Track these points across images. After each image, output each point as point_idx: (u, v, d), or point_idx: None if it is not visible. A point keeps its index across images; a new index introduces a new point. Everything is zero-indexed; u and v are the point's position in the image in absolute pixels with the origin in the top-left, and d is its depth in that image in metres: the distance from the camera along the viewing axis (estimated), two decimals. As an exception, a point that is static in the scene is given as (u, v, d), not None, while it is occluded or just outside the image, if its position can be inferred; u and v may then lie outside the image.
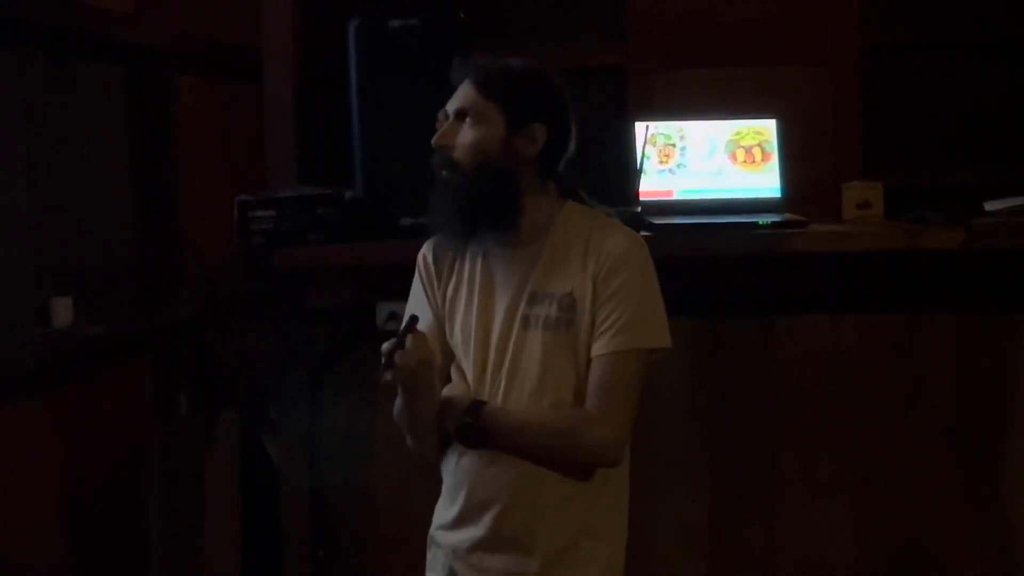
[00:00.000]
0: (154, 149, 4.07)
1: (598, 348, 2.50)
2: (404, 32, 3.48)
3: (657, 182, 3.69)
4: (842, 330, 3.71)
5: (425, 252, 2.69)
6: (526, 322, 2.55)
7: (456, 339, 2.62)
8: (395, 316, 3.37)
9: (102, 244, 3.88)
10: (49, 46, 3.60)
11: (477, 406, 2.54)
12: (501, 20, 4.12)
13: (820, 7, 4.42)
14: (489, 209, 2.54)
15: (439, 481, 2.69)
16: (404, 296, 2.71)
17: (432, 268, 2.67)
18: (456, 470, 2.61)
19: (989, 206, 3.55)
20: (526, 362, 2.54)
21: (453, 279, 2.65)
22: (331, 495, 3.75)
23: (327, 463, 3.73)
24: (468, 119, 2.53)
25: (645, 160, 3.61)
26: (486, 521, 2.56)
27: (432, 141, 2.56)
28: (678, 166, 3.72)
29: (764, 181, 3.72)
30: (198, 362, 4.17)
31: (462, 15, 3.48)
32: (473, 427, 2.52)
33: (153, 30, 4.04)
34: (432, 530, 2.70)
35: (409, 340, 2.43)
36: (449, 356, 2.64)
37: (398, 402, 2.59)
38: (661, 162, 3.71)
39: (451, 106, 2.57)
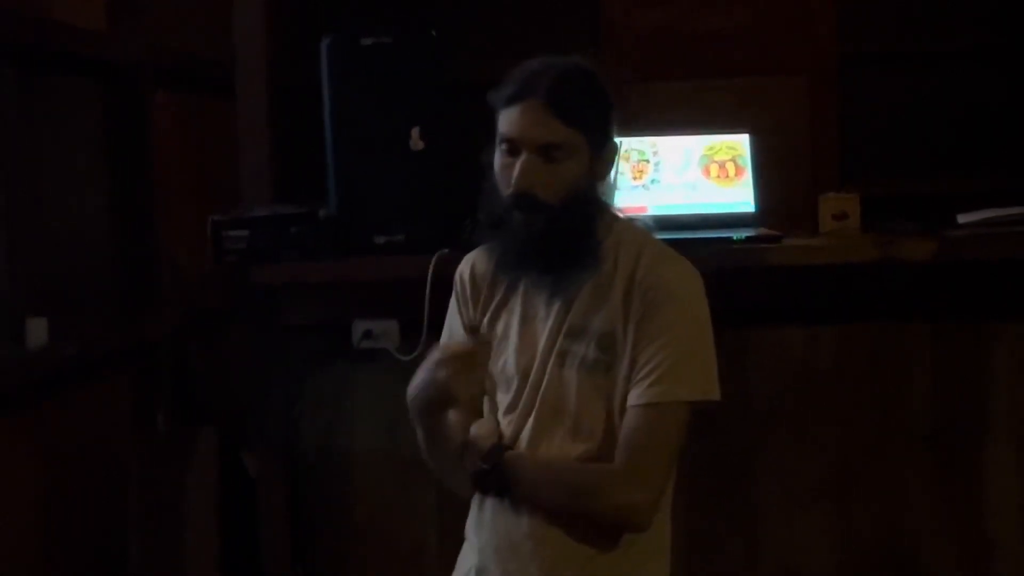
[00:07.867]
0: (129, 165, 4.04)
1: (634, 397, 2.26)
2: (376, 50, 3.47)
3: (631, 198, 3.69)
4: (819, 342, 3.72)
5: (463, 270, 2.48)
6: (562, 359, 2.31)
7: (496, 369, 2.39)
8: (370, 335, 3.36)
9: (77, 262, 3.86)
10: (20, 63, 3.58)
11: (498, 450, 2.32)
12: (473, 33, 4.12)
13: (795, 17, 4.43)
14: (576, 245, 2.31)
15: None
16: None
17: (469, 288, 2.46)
18: (478, 516, 2.42)
19: (962, 218, 3.56)
20: (559, 405, 2.31)
21: (493, 304, 2.43)
22: (309, 511, 3.75)
23: (305, 479, 3.72)
24: (557, 154, 2.26)
25: (619, 176, 3.60)
26: (498, 574, 2.35)
27: (515, 183, 2.26)
28: (652, 181, 3.72)
29: (738, 196, 3.72)
30: (176, 379, 4.16)
31: (434, 33, 3.48)
32: (491, 474, 2.32)
33: (126, 46, 4.01)
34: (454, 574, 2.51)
35: (454, 348, 2.27)
36: (482, 387, 2.41)
37: (419, 436, 2.42)
38: (635, 178, 3.71)
39: (524, 136, 2.26)
